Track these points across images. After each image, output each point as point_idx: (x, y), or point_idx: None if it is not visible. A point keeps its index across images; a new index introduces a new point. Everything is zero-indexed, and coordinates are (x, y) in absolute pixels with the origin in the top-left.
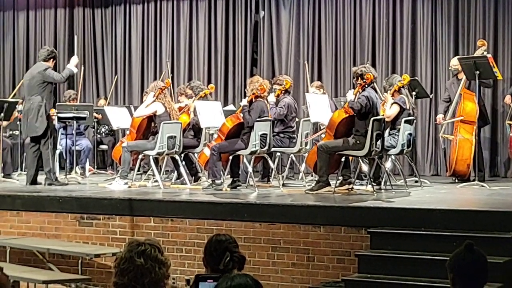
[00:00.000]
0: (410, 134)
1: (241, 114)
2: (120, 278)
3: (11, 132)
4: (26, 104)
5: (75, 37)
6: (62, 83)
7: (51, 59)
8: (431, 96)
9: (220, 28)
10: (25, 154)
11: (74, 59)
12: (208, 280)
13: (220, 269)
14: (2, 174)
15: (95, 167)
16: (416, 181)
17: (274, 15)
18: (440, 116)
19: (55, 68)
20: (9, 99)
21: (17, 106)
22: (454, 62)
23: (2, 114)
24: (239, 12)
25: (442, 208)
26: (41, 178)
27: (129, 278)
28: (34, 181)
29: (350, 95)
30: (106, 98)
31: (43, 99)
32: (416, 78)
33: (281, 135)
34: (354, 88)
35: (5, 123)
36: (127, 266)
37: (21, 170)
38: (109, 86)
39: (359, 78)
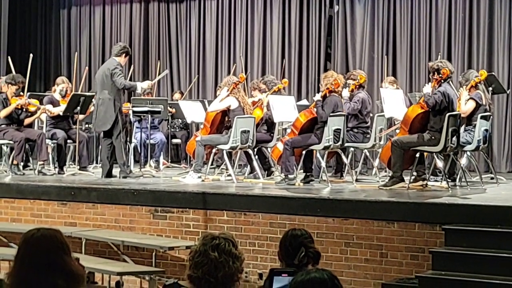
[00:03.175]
0: (486, 130)
1: (315, 109)
2: (194, 271)
3: (87, 125)
4: (96, 99)
5: (166, 70)
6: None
7: (124, 55)
8: (508, 92)
9: (294, 23)
10: (100, 147)
11: (148, 83)
12: (283, 275)
13: (295, 264)
14: (78, 167)
15: (169, 160)
16: (492, 178)
17: (349, 10)
18: None
19: (130, 62)
20: (86, 93)
21: (93, 100)
22: None
23: (79, 108)
24: (313, 7)
25: None
26: (116, 171)
27: (203, 271)
28: (109, 174)
29: (427, 89)
30: (181, 93)
31: (113, 95)
32: (493, 73)
33: (355, 130)
34: (430, 82)
35: (81, 116)
36: (201, 259)
37: (97, 163)
38: (184, 80)
39: (435, 73)
